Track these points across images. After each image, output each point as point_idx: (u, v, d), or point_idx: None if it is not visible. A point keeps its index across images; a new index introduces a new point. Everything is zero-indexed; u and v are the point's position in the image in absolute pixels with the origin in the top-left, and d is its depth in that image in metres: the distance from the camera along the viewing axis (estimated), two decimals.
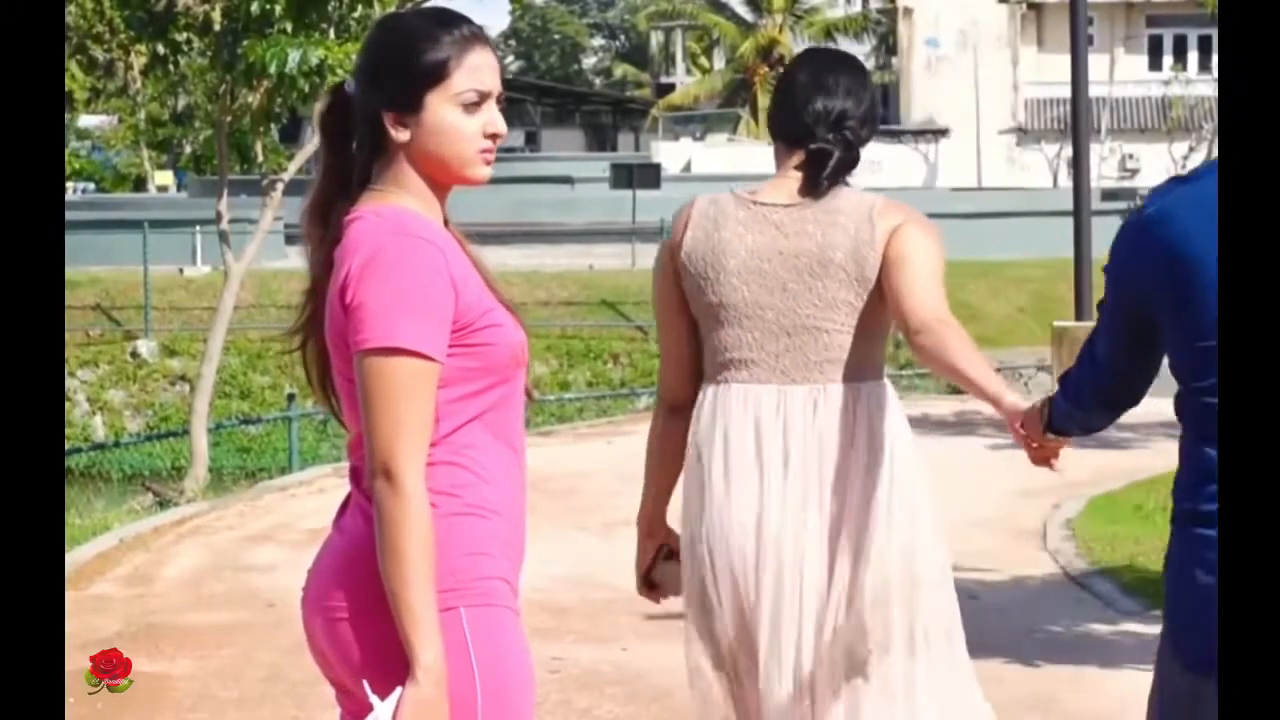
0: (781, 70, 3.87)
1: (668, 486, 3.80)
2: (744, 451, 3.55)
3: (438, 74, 2.75)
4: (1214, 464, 2.65)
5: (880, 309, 3.56)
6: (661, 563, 3.85)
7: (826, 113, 3.62)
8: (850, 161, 3.65)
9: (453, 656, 2.62)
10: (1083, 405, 3.04)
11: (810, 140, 3.61)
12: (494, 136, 2.79)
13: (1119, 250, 2.83)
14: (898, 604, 3.52)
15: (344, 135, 2.81)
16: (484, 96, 2.78)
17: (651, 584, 3.88)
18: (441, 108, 2.75)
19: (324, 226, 2.79)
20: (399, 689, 2.58)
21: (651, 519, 3.82)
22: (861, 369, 3.58)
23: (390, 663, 2.63)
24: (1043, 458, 3.27)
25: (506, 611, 2.73)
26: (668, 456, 3.73)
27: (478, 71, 2.77)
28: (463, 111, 2.76)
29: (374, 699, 2.60)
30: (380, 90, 2.76)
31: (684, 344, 3.68)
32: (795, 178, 3.62)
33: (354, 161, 2.79)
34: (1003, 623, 7.32)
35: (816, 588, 3.52)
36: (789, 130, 3.66)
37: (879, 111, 3.81)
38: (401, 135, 2.76)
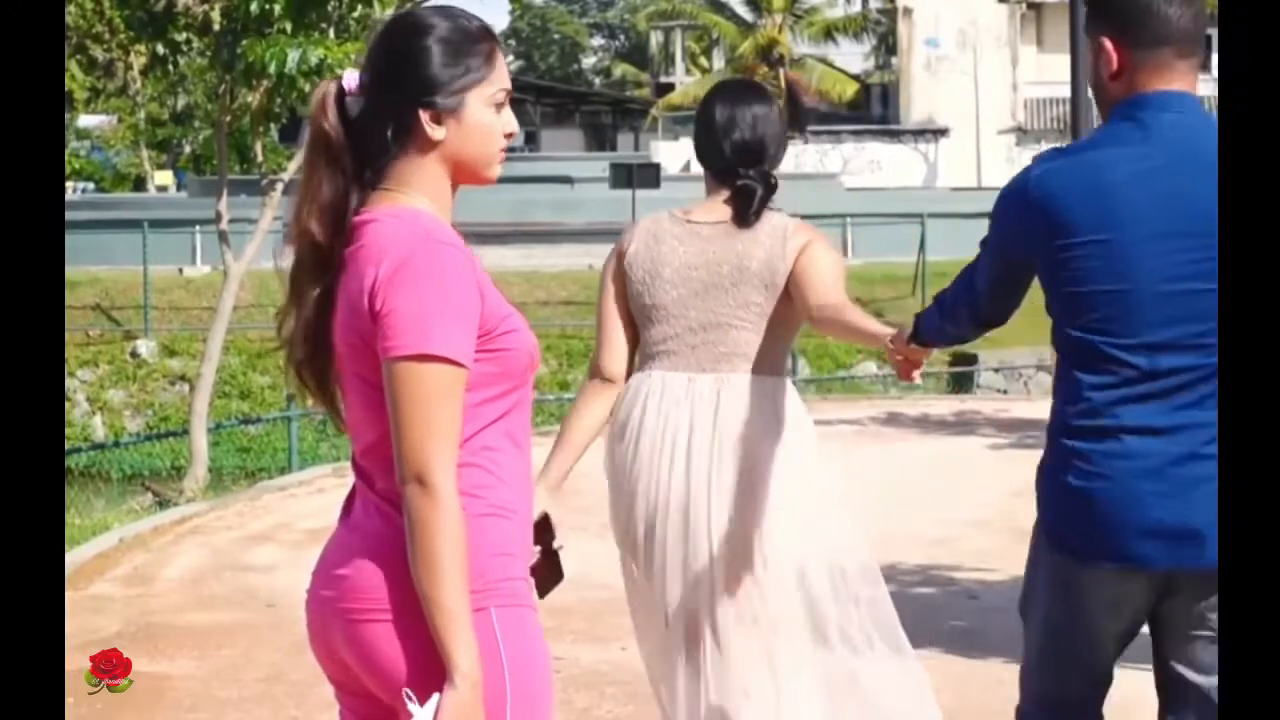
0: (703, 102, 4.35)
1: (578, 447, 4.29)
2: (654, 427, 4.16)
3: (478, 73, 2.76)
4: (1083, 386, 3.23)
5: (784, 312, 4.17)
6: (540, 556, 3.68)
7: (744, 145, 4.23)
8: (770, 193, 4.23)
9: (484, 657, 2.62)
10: (958, 322, 3.59)
11: (736, 177, 4.22)
12: (509, 136, 2.82)
13: (1004, 204, 3.38)
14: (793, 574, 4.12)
15: (352, 133, 2.77)
16: (508, 96, 2.81)
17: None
18: (478, 107, 2.77)
19: (336, 229, 2.75)
20: (436, 695, 2.58)
21: (558, 477, 4.21)
22: (763, 364, 4.17)
23: (418, 665, 2.63)
24: (908, 370, 3.84)
25: (530, 611, 2.76)
26: (585, 419, 4.29)
27: (503, 71, 2.81)
28: (494, 111, 2.79)
29: (412, 706, 2.59)
30: (418, 89, 2.74)
31: (617, 330, 4.29)
32: (723, 204, 4.24)
33: (370, 160, 2.76)
34: (1003, 623, 7.30)
35: (709, 547, 4.11)
36: (715, 164, 4.28)
37: (786, 130, 4.40)
38: (438, 134, 2.75)
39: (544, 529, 3.76)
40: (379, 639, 2.67)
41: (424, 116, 2.74)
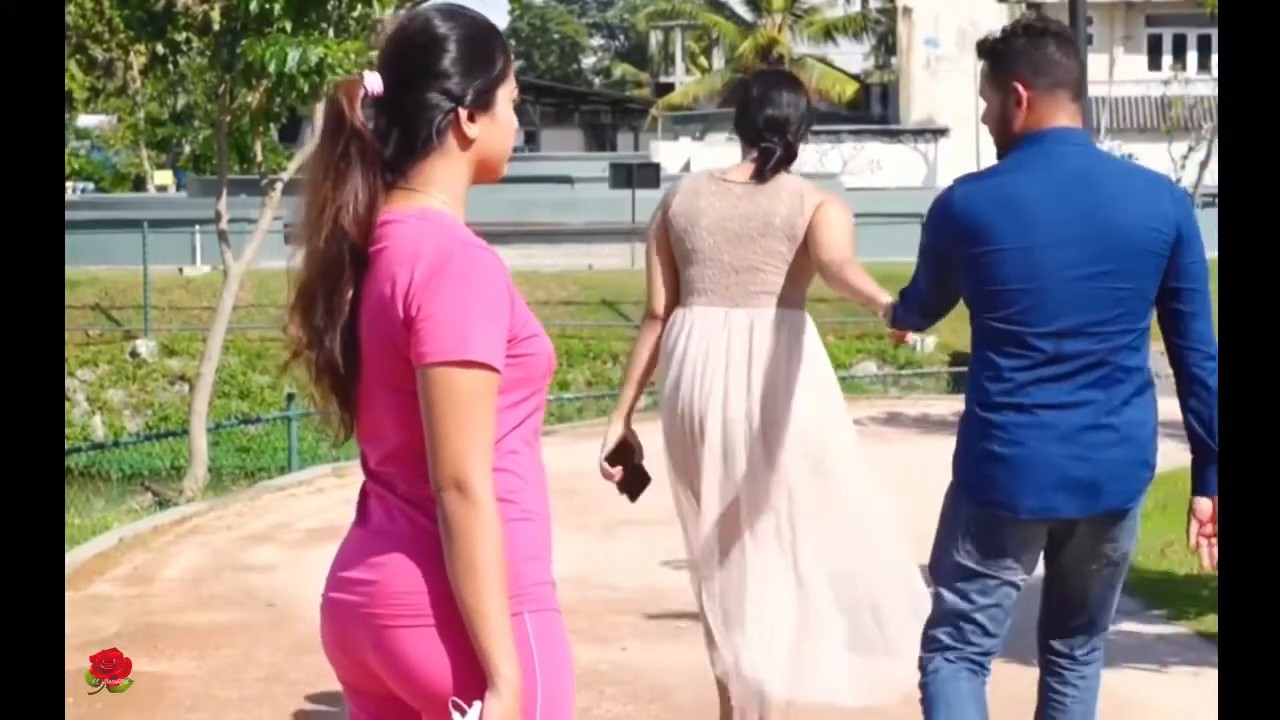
0: (744, 83, 5.13)
1: (642, 381, 5.18)
2: (698, 352, 5.00)
3: (504, 71, 2.78)
4: (1003, 369, 3.97)
5: (802, 260, 5.00)
6: (624, 455, 5.15)
7: (773, 120, 5.08)
8: (789, 156, 5.11)
9: (518, 661, 2.62)
10: (911, 313, 4.38)
11: (761, 141, 5.08)
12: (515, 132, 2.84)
13: (933, 220, 4.15)
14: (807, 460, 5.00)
15: (380, 133, 2.73)
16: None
17: (612, 462, 5.16)
18: (504, 104, 2.79)
19: (370, 229, 2.70)
20: (477, 703, 2.58)
21: (627, 408, 5.20)
22: (788, 300, 5.02)
23: (450, 669, 2.63)
24: (898, 338, 4.65)
25: (557, 615, 2.75)
26: (643, 355, 5.16)
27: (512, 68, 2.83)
28: (512, 107, 2.81)
29: (456, 715, 2.59)
30: (457, 87, 2.73)
31: (663, 273, 5.11)
32: (751, 166, 5.10)
33: (395, 160, 2.73)
34: None
35: (740, 440, 4.97)
36: (747, 133, 5.14)
37: (813, 112, 5.25)
38: (473, 131, 2.75)
39: (626, 450, 5.14)
40: (409, 644, 2.66)
41: (462, 115, 2.74)
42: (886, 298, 4.56)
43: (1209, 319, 4.01)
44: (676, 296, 5.11)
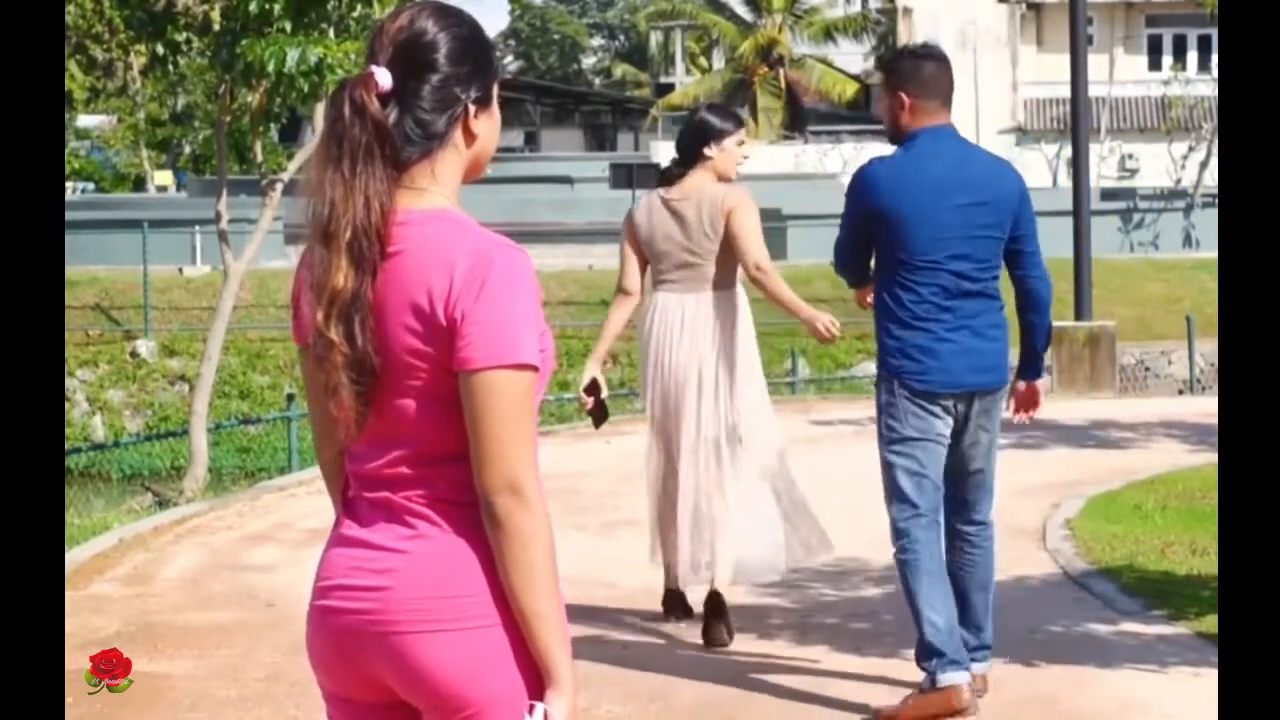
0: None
1: (611, 338, 7.05)
2: (665, 329, 6.82)
3: (498, 69, 2.78)
4: (929, 292, 5.62)
5: (728, 251, 6.76)
6: (595, 390, 6.96)
7: (676, 146, 7.07)
8: (677, 174, 6.94)
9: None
10: (848, 274, 5.94)
11: (677, 166, 6.98)
12: None
13: (854, 191, 5.73)
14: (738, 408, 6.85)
15: (395, 131, 2.69)
16: None
17: (588, 391, 6.97)
18: (496, 102, 2.78)
19: (389, 227, 2.64)
20: (540, 705, 2.58)
21: (599, 356, 7.06)
22: (724, 283, 6.83)
23: (477, 673, 2.62)
24: (860, 299, 6.14)
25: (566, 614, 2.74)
26: (614, 320, 7.06)
27: None
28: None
29: (527, 716, 2.59)
30: (467, 82, 2.72)
31: (631, 262, 6.94)
32: (678, 184, 6.92)
33: (409, 155, 2.69)
34: (1002, 623, 7.30)
35: (702, 396, 6.81)
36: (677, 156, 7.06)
37: (702, 128, 7.05)
38: (478, 128, 2.74)
39: (595, 387, 6.96)
40: (430, 649, 2.63)
41: (471, 111, 2.73)
42: (810, 310, 6.53)
43: (1041, 256, 5.77)
44: (640, 280, 6.88)
